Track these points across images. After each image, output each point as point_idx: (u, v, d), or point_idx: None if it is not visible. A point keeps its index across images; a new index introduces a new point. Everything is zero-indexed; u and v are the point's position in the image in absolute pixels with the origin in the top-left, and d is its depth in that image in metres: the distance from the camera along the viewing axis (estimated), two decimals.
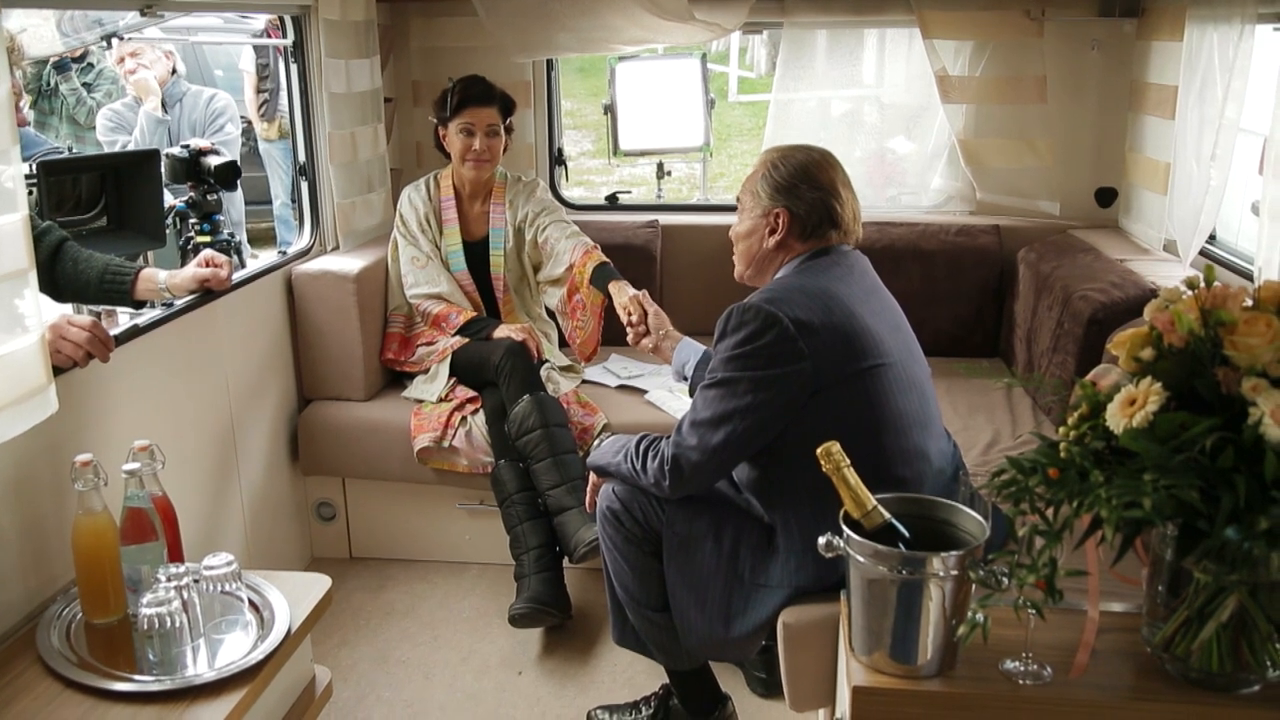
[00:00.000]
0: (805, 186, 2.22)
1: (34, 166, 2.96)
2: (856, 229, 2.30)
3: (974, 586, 1.62)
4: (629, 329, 2.78)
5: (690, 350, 2.61)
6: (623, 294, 2.98)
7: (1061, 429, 1.57)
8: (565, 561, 3.08)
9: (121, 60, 4.94)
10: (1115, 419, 1.47)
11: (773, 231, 2.25)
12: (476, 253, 3.51)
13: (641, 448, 2.27)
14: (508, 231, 3.50)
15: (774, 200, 2.24)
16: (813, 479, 1.82)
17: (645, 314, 2.76)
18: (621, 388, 3.52)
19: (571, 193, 4.40)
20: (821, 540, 1.73)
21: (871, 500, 1.72)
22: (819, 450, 1.73)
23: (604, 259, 3.31)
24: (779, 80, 4.03)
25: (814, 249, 2.25)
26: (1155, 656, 1.65)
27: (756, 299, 2.11)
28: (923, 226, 3.80)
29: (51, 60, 5.35)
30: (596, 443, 3.07)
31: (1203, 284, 1.52)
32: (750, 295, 2.15)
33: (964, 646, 1.65)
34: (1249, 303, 1.49)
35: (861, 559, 1.67)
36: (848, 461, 1.73)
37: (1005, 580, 1.57)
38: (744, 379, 2.09)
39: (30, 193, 2.93)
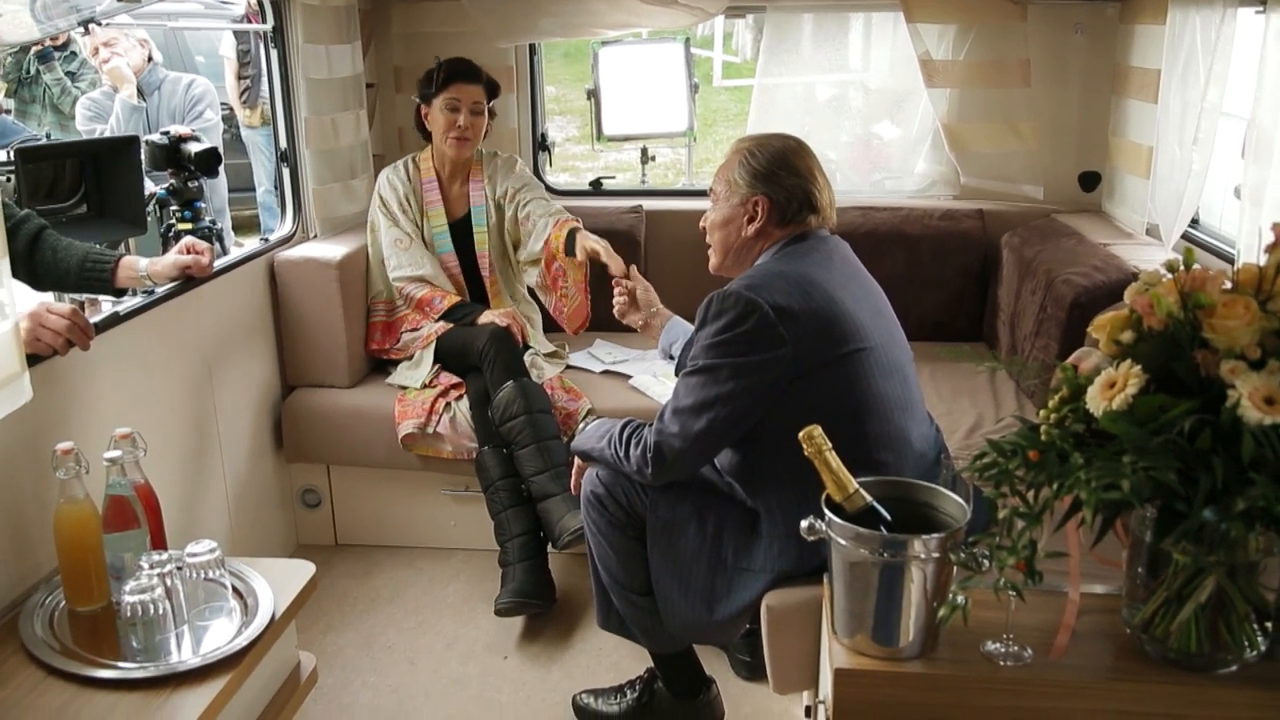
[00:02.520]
0: (785, 173, 2.23)
1: (11, 154, 2.94)
2: (832, 215, 2.30)
3: (955, 569, 1.63)
4: (615, 292, 2.76)
5: (679, 329, 2.62)
6: (586, 240, 3.02)
7: (1042, 412, 1.58)
8: (549, 547, 3.08)
9: (96, 50, 4.91)
10: (1095, 402, 1.48)
11: (751, 219, 2.25)
12: (460, 232, 3.51)
13: (625, 434, 2.27)
14: (488, 207, 3.50)
15: (753, 188, 2.24)
16: (795, 463, 1.83)
17: (631, 289, 2.75)
18: (606, 373, 3.52)
19: (556, 178, 4.39)
20: (804, 523, 1.73)
21: (853, 483, 1.73)
22: (801, 434, 1.73)
23: (577, 225, 3.30)
24: (763, 65, 4.02)
25: (792, 235, 2.25)
26: (1135, 637, 1.66)
27: (736, 286, 2.12)
28: (906, 211, 3.81)
29: (34, 49, 5.31)
30: (581, 426, 3.07)
31: (1182, 267, 1.53)
32: (730, 282, 2.15)
33: (945, 628, 1.66)
34: (1228, 285, 1.50)
35: (843, 542, 1.68)
36: (829, 445, 1.73)
37: (986, 562, 1.58)
38: (725, 366, 2.09)
39: (8, 180, 2.91)
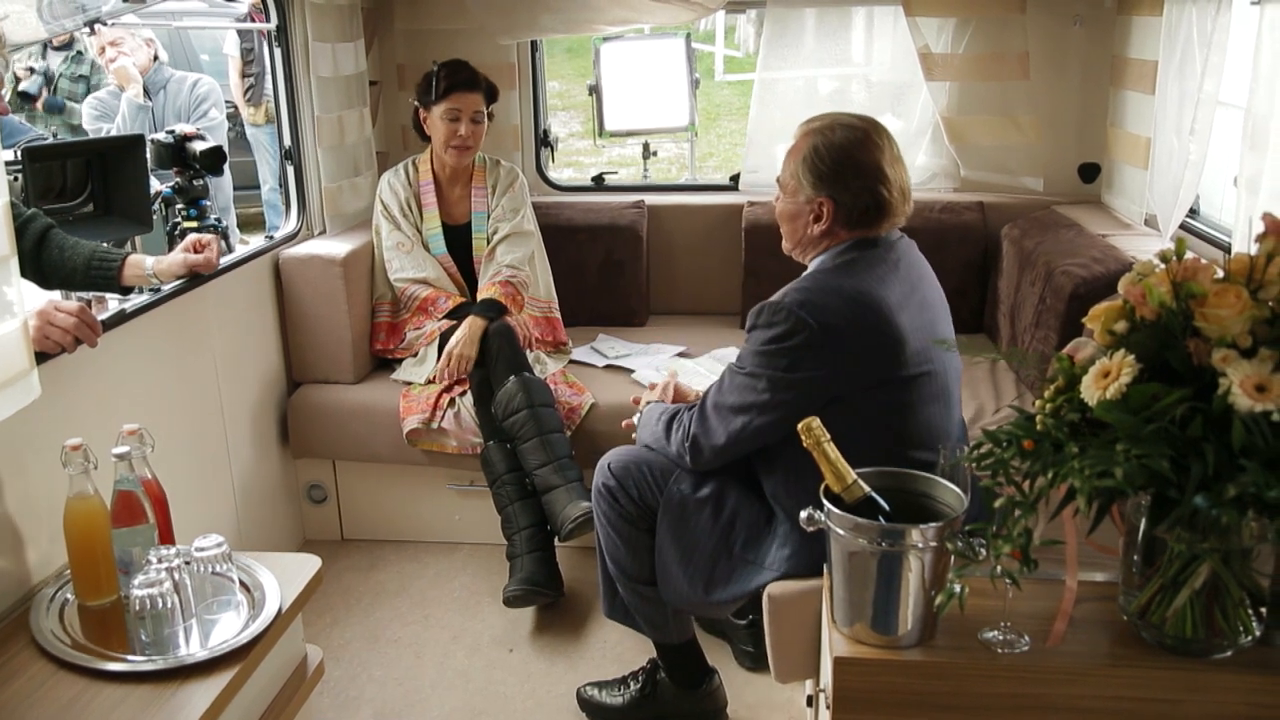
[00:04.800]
0: (850, 175, 2.13)
1: (18, 153, 2.96)
2: (906, 207, 2.21)
3: (952, 558, 1.65)
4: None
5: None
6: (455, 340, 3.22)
7: (1038, 402, 1.60)
8: (555, 540, 3.10)
9: (102, 50, 4.94)
10: (1090, 391, 1.49)
11: (818, 219, 2.18)
12: (457, 236, 3.53)
13: (667, 419, 2.34)
14: (489, 215, 3.52)
15: (817, 189, 2.15)
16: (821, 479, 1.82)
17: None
18: (609, 367, 3.53)
19: (560, 174, 4.41)
20: (803, 514, 1.76)
21: (851, 474, 1.75)
22: (799, 425, 1.75)
23: (494, 297, 3.35)
24: (763, 59, 4.03)
25: (859, 238, 2.17)
26: (1131, 624, 1.67)
27: (791, 300, 2.08)
28: None
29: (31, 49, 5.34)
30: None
31: (1174, 257, 1.55)
32: (785, 292, 2.12)
33: (941, 616, 1.67)
34: (1219, 275, 1.52)
35: (842, 532, 1.70)
36: (828, 436, 1.75)
37: (982, 551, 1.59)
38: (765, 377, 2.11)
39: (15, 179, 2.93)
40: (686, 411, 2.30)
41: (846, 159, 2.13)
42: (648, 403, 2.53)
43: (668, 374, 2.64)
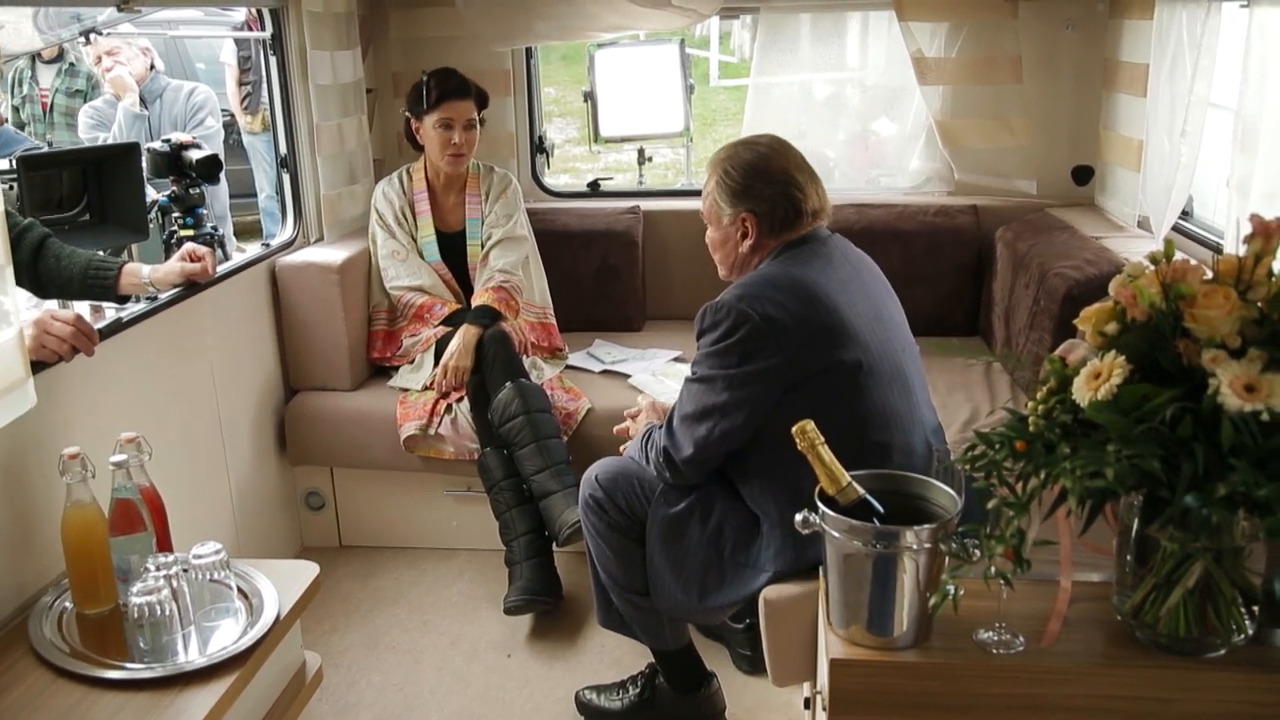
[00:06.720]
0: (761, 184, 2.23)
1: (14, 162, 2.97)
2: (826, 207, 2.29)
3: (946, 559, 1.66)
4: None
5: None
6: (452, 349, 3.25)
7: (1030, 403, 1.61)
8: (554, 545, 3.11)
9: (99, 59, 4.95)
10: (1081, 392, 1.50)
11: (745, 236, 2.26)
12: (452, 244, 3.54)
13: (644, 441, 2.36)
14: (483, 221, 3.53)
15: (735, 207, 2.25)
16: (790, 470, 1.85)
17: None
18: (605, 373, 3.54)
19: (556, 180, 4.42)
20: (798, 517, 1.76)
21: (846, 476, 1.76)
22: (794, 429, 1.76)
23: (489, 303, 3.36)
24: (757, 65, 4.04)
25: (787, 241, 2.25)
26: (1125, 624, 1.68)
27: (729, 296, 2.14)
28: (901, 207, 3.83)
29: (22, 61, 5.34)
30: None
31: (1164, 259, 1.56)
32: (724, 291, 2.17)
33: (935, 616, 1.68)
34: (1208, 276, 1.53)
35: (837, 534, 1.70)
36: (822, 439, 1.76)
37: (976, 552, 1.60)
38: (719, 377, 2.13)
39: (11, 188, 2.94)
40: (657, 430, 2.32)
41: (754, 171, 2.24)
42: (635, 433, 2.55)
43: (641, 403, 2.63)
